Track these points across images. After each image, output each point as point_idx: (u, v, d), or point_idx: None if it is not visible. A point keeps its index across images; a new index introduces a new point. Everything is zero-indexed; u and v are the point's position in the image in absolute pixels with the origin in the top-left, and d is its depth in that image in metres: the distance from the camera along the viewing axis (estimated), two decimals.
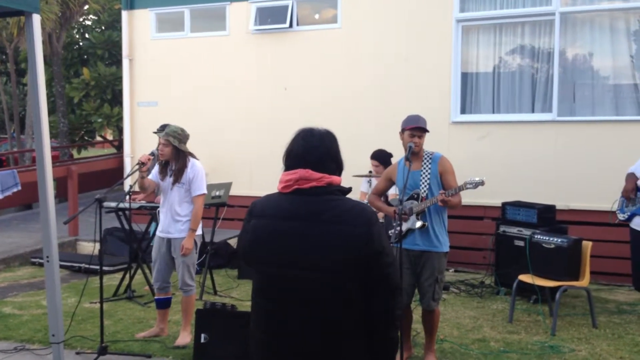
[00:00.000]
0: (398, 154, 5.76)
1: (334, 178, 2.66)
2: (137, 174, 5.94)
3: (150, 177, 6.15)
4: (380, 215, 5.48)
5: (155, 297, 6.25)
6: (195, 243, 6.00)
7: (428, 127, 5.42)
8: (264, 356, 2.72)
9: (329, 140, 2.72)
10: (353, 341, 2.62)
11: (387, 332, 2.67)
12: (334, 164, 2.71)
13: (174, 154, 5.94)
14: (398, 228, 5.19)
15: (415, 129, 5.32)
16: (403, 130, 5.39)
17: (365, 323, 2.64)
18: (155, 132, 7.73)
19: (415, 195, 5.36)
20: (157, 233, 6.14)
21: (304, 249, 2.58)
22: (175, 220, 5.96)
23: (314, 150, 2.66)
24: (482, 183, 5.24)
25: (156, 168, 6.17)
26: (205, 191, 6.01)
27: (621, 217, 6.90)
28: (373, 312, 2.63)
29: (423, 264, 5.34)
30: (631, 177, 6.80)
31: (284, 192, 2.68)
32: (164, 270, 6.07)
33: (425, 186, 5.34)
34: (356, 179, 7.88)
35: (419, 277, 5.38)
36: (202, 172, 6.00)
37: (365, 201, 7.45)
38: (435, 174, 5.35)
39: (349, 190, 2.76)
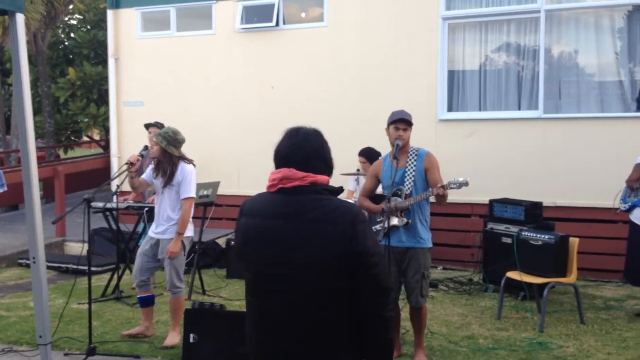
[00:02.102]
0: (385, 151, 5.77)
1: (318, 177, 2.65)
2: (125, 174, 5.92)
3: (143, 176, 6.15)
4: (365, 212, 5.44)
5: (138, 296, 6.25)
6: (184, 245, 5.98)
7: (415, 125, 5.43)
8: (257, 354, 2.74)
9: (315, 139, 2.71)
10: (343, 342, 2.61)
11: (379, 334, 2.64)
12: (322, 164, 2.69)
13: (161, 155, 5.92)
14: (384, 225, 5.19)
15: (399, 121, 5.32)
16: (388, 126, 5.40)
17: (356, 324, 2.62)
18: (146, 125, 7.72)
19: (399, 192, 5.36)
20: (149, 232, 6.15)
21: (288, 248, 2.59)
22: (166, 222, 5.95)
23: (298, 149, 2.66)
24: (466, 184, 5.23)
25: (151, 166, 6.15)
26: (192, 195, 5.96)
27: (622, 207, 6.92)
28: (362, 313, 2.61)
29: (408, 261, 5.35)
30: (638, 167, 6.82)
31: (270, 191, 2.70)
32: (144, 269, 6.05)
33: (409, 183, 5.34)
34: (344, 177, 7.89)
35: (404, 274, 5.38)
36: (191, 176, 5.94)
37: (353, 200, 7.47)
38: (420, 171, 5.35)
39: (339, 189, 2.76)
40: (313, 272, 2.56)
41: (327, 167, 2.72)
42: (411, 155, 5.41)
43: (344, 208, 2.61)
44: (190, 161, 6.04)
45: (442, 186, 5.13)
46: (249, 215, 2.73)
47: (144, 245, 6.08)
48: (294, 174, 2.63)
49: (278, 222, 2.62)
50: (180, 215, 5.92)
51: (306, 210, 2.59)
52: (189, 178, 5.92)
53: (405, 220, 5.32)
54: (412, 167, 5.37)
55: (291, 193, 2.63)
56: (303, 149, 2.66)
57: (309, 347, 2.61)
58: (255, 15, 10.41)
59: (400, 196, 5.34)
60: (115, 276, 7.66)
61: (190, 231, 6.06)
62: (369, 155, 7.61)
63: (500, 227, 7.74)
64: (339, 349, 2.62)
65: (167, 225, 5.94)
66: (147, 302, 6.18)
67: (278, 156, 2.71)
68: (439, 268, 8.94)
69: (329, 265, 2.54)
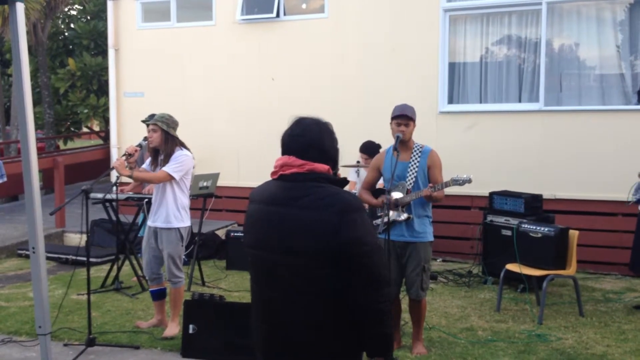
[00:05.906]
0: (386, 144, 5.76)
1: (317, 165, 2.67)
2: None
3: (144, 166, 6.13)
4: (365, 205, 5.43)
5: (149, 290, 6.26)
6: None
7: (416, 117, 5.42)
8: (260, 342, 2.77)
9: (311, 130, 2.73)
10: (337, 333, 2.61)
11: (372, 327, 2.62)
12: (319, 154, 2.70)
13: (163, 139, 5.88)
14: (385, 219, 5.19)
15: (400, 117, 5.33)
16: (391, 121, 5.40)
17: (352, 316, 2.60)
18: (143, 121, 7.69)
19: (401, 187, 5.36)
20: (148, 223, 6.13)
21: (282, 234, 2.62)
22: (163, 210, 5.92)
23: (296, 139, 2.72)
24: (469, 181, 5.25)
25: (149, 159, 6.13)
26: (172, 174, 5.79)
27: (633, 199, 6.92)
28: (355, 305, 2.59)
29: (409, 254, 5.36)
30: None
31: (272, 177, 2.76)
32: (152, 262, 6.05)
33: (411, 178, 5.35)
34: (344, 169, 7.88)
35: (405, 267, 5.40)
36: (183, 159, 5.86)
37: (354, 191, 7.46)
38: (423, 167, 5.37)
39: (342, 179, 2.79)
40: (302, 259, 2.57)
41: (324, 157, 2.73)
42: (415, 151, 5.41)
43: (335, 196, 2.61)
44: (187, 148, 6.04)
45: (433, 187, 5.21)
46: (253, 202, 2.80)
47: (147, 239, 6.06)
48: (292, 161, 2.68)
49: (274, 208, 2.66)
50: (148, 174, 5.93)
51: (299, 197, 2.62)
52: (180, 160, 5.84)
53: (406, 215, 5.32)
54: (415, 163, 5.37)
55: (289, 180, 2.68)
56: (300, 139, 2.71)
57: (307, 336, 2.61)
58: (256, 6, 10.38)
59: (401, 191, 5.34)
60: (115, 267, 7.66)
61: (187, 221, 6.03)
62: (369, 150, 7.60)
63: (500, 220, 7.74)
64: (338, 339, 2.61)
65: (164, 213, 5.90)
66: (158, 295, 6.18)
67: (281, 144, 2.77)
68: (438, 260, 8.95)
69: (317, 253, 2.55)
